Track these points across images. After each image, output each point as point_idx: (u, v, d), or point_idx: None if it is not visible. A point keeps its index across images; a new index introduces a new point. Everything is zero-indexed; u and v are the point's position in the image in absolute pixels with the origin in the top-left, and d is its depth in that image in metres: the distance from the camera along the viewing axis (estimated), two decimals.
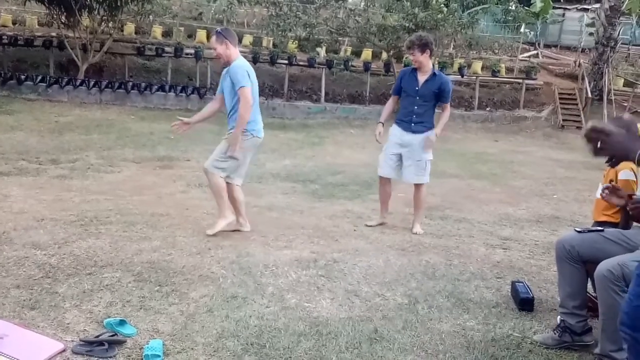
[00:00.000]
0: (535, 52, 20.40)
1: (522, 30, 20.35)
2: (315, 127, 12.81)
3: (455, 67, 15.83)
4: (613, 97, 15.77)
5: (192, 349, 2.50)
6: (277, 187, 6.87)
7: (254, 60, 13.55)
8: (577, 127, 14.98)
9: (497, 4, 17.11)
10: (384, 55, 15.65)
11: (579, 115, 15.44)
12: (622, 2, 16.00)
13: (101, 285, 3.05)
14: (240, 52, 4.17)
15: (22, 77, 12.63)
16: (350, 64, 15.00)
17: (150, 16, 15.57)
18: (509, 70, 17.16)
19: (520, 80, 16.30)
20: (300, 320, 2.82)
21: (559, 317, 2.81)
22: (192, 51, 14.27)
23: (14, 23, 15.73)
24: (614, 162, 2.18)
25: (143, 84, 13.42)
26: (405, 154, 4.67)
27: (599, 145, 2.05)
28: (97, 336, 2.48)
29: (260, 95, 4.25)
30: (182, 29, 16.46)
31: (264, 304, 2.98)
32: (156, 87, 13.48)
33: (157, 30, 16.08)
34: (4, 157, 7.22)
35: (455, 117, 14.01)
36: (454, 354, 2.60)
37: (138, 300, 2.90)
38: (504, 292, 3.37)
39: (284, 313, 2.89)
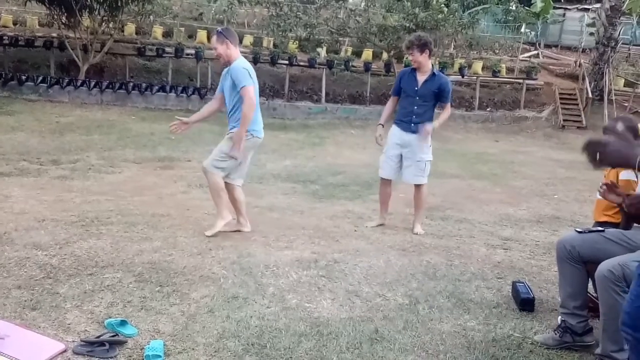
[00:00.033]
0: (535, 52, 20.40)
1: (522, 30, 20.37)
2: (315, 128, 12.82)
3: (456, 67, 15.84)
4: (614, 97, 15.76)
5: (193, 349, 2.50)
6: (277, 188, 6.88)
7: (255, 60, 13.56)
8: (578, 127, 14.99)
9: (497, 4, 17.12)
10: (385, 55, 15.65)
11: (579, 116, 15.44)
12: (623, 2, 16.00)
13: (102, 285, 3.05)
14: (241, 52, 4.16)
15: (23, 77, 12.65)
16: (350, 64, 15.01)
17: (151, 16, 15.58)
18: (510, 70, 17.17)
19: (521, 81, 16.31)
20: (301, 321, 2.82)
21: (559, 317, 2.81)
22: (193, 51, 14.28)
23: (14, 24, 15.76)
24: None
25: (144, 85, 13.43)
26: (405, 154, 4.66)
27: (598, 158, 2.08)
28: (98, 336, 2.48)
29: (260, 95, 4.25)
30: (182, 29, 16.47)
31: (264, 304, 2.98)
32: (157, 87, 13.49)
33: (158, 31, 16.10)
34: (5, 157, 7.23)
35: (455, 117, 14.02)
36: (455, 354, 2.60)
37: (139, 301, 2.90)
38: (504, 292, 3.37)
39: (285, 313, 2.89)
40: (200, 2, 19.46)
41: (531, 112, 15.92)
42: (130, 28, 15.77)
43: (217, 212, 4.15)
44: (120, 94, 13.11)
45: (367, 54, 16.08)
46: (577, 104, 15.82)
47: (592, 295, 2.80)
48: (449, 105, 4.72)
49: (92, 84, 12.96)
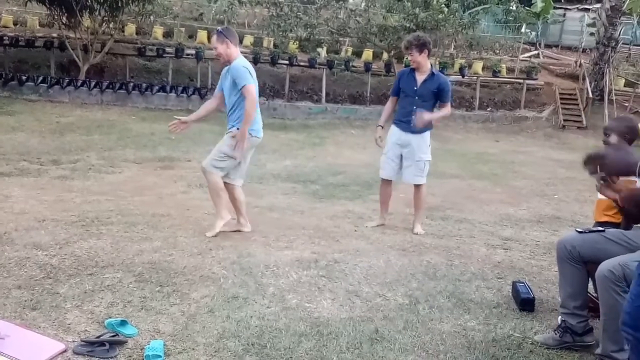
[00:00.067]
0: (536, 52, 20.40)
1: (523, 30, 20.38)
2: (316, 128, 12.82)
3: (456, 67, 15.85)
4: (614, 97, 15.76)
5: (193, 349, 2.50)
6: (277, 188, 6.88)
7: (255, 60, 13.56)
8: (578, 127, 14.99)
9: (498, 4, 17.11)
10: (385, 55, 15.66)
11: (579, 116, 15.44)
12: (623, 2, 16.00)
13: (102, 285, 3.05)
14: (241, 52, 4.17)
15: (24, 77, 12.66)
16: (351, 64, 15.01)
17: (151, 17, 15.60)
18: (510, 70, 17.17)
19: (521, 81, 16.31)
20: (301, 321, 2.82)
21: (560, 317, 2.81)
22: (193, 52, 14.29)
23: (15, 24, 15.77)
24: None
25: (144, 85, 13.43)
26: (405, 154, 4.66)
27: (599, 171, 2.15)
28: (98, 336, 2.48)
29: (261, 95, 4.25)
30: (182, 29, 16.48)
31: (265, 304, 2.98)
32: (157, 87, 13.50)
33: (158, 31, 16.11)
34: (5, 157, 7.23)
35: (456, 117, 14.02)
36: (455, 355, 2.60)
37: (139, 301, 2.90)
38: (504, 292, 3.36)
39: (285, 313, 2.89)
40: (200, 2, 19.47)
41: (531, 112, 15.92)
42: (130, 28, 15.78)
43: (216, 212, 4.15)
44: (121, 94, 13.11)
45: (368, 54, 16.08)
46: (578, 104, 15.82)
47: (593, 295, 2.80)
48: (448, 104, 4.70)
49: (93, 84, 12.96)
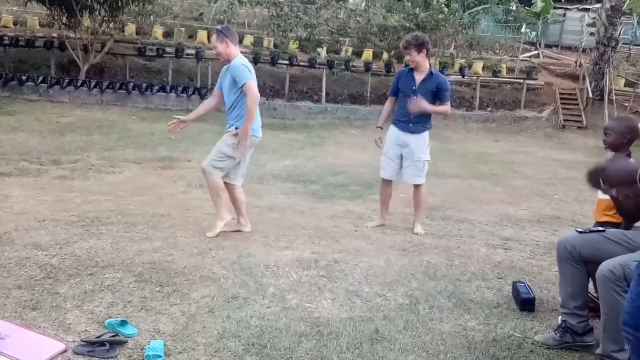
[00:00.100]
0: (536, 52, 20.40)
1: (523, 30, 20.38)
2: (316, 128, 12.81)
3: (456, 67, 15.85)
4: (614, 97, 15.76)
5: (193, 349, 2.50)
6: (278, 188, 6.88)
7: (255, 60, 13.56)
8: (578, 127, 14.99)
9: (498, 4, 17.09)
10: (385, 55, 15.65)
11: (580, 116, 15.44)
12: (623, 2, 16.00)
13: (102, 285, 3.05)
14: (241, 52, 4.17)
15: (23, 77, 12.65)
16: (351, 64, 15.01)
17: (151, 17, 15.59)
18: (510, 70, 17.16)
19: (521, 81, 16.30)
20: (301, 321, 2.82)
21: (560, 317, 2.81)
22: (193, 52, 14.29)
23: (15, 24, 15.76)
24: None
25: (144, 85, 13.43)
26: (404, 154, 4.66)
27: (602, 184, 2.21)
28: (99, 336, 2.48)
29: (261, 95, 4.25)
30: (182, 29, 16.48)
31: (265, 304, 2.98)
32: (157, 87, 13.49)
33: (158, 31, 16.10)
34: (5, 157, 7.23)
35: (456, 117, 14.03)
36: (455, 355, 2.60)
37: (139, 301, 2.90)
38: (505, 292, 3.36)
39: (285, 313, 2.89)
40: (200, 2, 19.47)
41: (531, 112, 15.92)
42: (130, 28, 15.78)
43: (217, 212, 4.15)
44: (121, 94, 13.11)
45: (368, 54, 16.08)
46: (578, 104, 15.82)
47: (593, 295, 2.80)
48: (448, 104, 4.68)
49: (93, 84, 12.96)
